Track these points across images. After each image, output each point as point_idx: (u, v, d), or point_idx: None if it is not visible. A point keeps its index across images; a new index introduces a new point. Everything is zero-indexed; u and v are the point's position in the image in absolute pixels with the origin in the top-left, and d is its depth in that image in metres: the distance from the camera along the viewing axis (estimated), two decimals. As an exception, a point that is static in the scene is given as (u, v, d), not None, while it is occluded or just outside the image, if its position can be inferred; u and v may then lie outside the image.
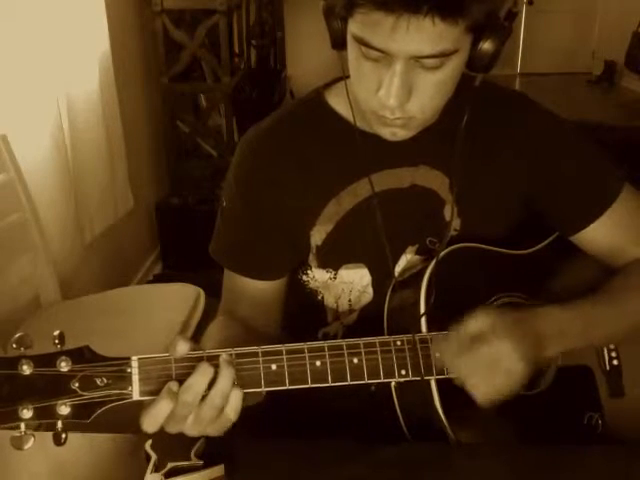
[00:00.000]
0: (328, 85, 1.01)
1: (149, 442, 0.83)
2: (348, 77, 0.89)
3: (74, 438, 0.72)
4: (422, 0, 0.72)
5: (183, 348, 0.74)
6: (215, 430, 0.75)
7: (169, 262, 3.17)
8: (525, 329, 0.82)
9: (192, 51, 2.99)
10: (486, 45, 0.82)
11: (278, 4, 4.59)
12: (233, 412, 0.74)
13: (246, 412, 0.77)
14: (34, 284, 1.88)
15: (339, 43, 0.85)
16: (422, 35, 0.75)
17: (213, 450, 0.82)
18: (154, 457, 0.81)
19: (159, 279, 3.08)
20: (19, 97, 1.85)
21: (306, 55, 4.68)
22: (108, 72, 2.39)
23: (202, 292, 1.99)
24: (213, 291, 1.07)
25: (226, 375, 0.73)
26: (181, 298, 1.97)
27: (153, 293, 2.24)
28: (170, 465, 0.80)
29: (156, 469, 0.80)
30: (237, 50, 3.71)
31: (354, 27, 0.79)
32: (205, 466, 0.81)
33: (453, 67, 0.81)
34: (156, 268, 3.18)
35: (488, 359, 0.79)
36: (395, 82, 0.80)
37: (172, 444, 0.81)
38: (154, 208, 3.11)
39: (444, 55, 0.78)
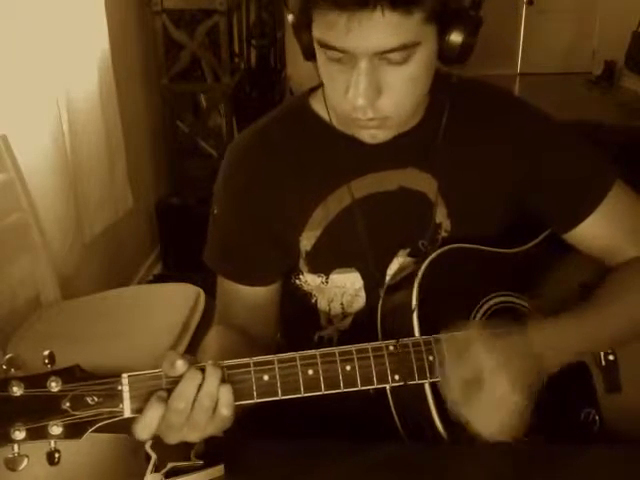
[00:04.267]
0: (314, 89, 1.01)
1: (149, 442, 0.83)
2: None
3: (60, 448, 0.72)
4: None
5: (182, 367, 0.73)
6: (215, 429, 0.75)
7: (169, 262, 3.17)
8: (522, 358, 0.81)
9: (192, 51, 2.99)
10: (453, 36, 0.81)
11: (278, 4, 4.59)
12: (225, 408, 0.74)
13: (244, 413, 0.77)
14: (34, 284, 1.88)
15: (310, 54, 0.85)
16: (377, 29, 0.75)
17: (213, 450, 0.82)
18: (154, 457, 0.81)
19: (159, 279, 3.08)
20: (19, 97, 1.85)
21: (306, 55, 4.68)
22: (108, 72, 2.39)
23: (202, 292, 1.99)
24: (213, 291, 1.07)
25: (212, 375, 0.73)
26: (181, 298, 1.97)
27: (153, 293, 2.24)
28: (170, 465, 0.80)
29: (156, 469, 0.80)
30: (237, 50, 3.70)
31: (316, 31, 0.80)
32: (205, 466, 0.81)
33: (420, 60, 0.80)
34: (156, 268, 3.18)
35: (486, 398, 0.78)
36: (361, 81, 0.79)
37: (172, 444, 0.81)
38: (154, 208, 3.11)
39: (406, 48, 0.78)
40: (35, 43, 1.89)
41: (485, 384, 0.78)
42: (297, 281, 1.03)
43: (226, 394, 0.74)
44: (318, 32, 0.79)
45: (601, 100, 5.85)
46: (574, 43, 6.76)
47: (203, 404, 0.73)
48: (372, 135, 0.88)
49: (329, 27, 0.77)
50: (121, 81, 2.52)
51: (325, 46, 0.79)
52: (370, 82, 0.79)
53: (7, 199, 1.76)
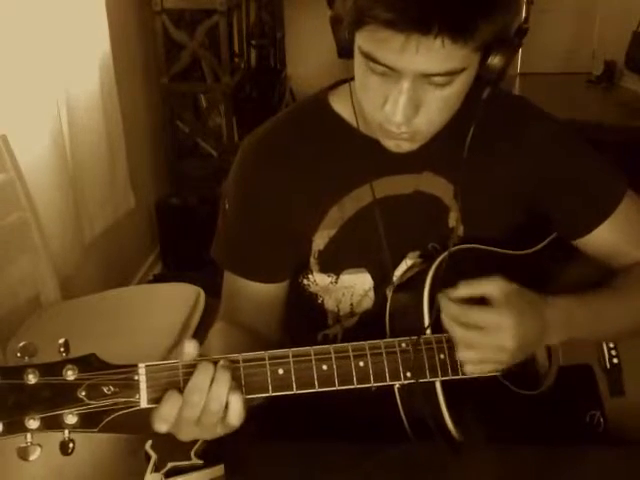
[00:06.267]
0: (332, 88, 1.00)
1: (149, 442, 0.83)
2: (352, 79, 0.88)
3: (75, 436, 0.72)
4: (432, 21, 0.71)
5: (191, 350, 0.74)
6: (227, 431, 0.76)
7: (169, 262, 3.17)
8: (534, 313, 0.83)
9: (192, 51, 2.98)
10: (495, 61, 0.81)
11: (278, 4, 4.59)
12: (234, 418, 0.74)
13: (248, 412, 0.78)
14: (34, 284, 1.88)
15: (346, 53, 0.84)
16: (431, 55, 0.74)
17: (213, 450, 0.82)
18: (154, 457, 0.81)
19: (159, 279, 3.07)
20: (19, 97, 1.85)
21: (306, 55, 4.67)
22: (108, 72, 2.39)
23: (202, 292, 1.99)
24: (213, 291, 1.07)
25: (220, 380, 0.73)
26: (181, 298, 1.97)
27: (153, 293, 2.24)
28: (170, 465, 0.80)
29: (156, 469, 0.80)
30: (237, 50, 3.70)
31: (361, 41, 0.78)
32: (205, 466, 0.81)
33: (461, 83, 0.80)
34: (156, 268, 3.18)
35: (487, 324, 0.80)
36: (402, 99, 0.79)
37: (172, 444, 0.81)
38: (154, 208, 3.11)
39: (453, 73, 0.78)
40: (35, 43, 1.89)
41: (495, 310, 0.80)
42: (305, 281, 1.03)
43: (236, 405, 0.74)
44: (366, 45, 0.77)
45: (601, 100, 5.84)
46: (574, 43, 6.74)
47: (211, 408, 0.73)
48: (398, 145, 0.88)
49: (380, 43, 0.75)
50: (121, 81, 2.52)
51: (371, 59, 0.78)
52: (410, 101, 0.79)
53: (7, 199, 1.76)
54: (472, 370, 0.82)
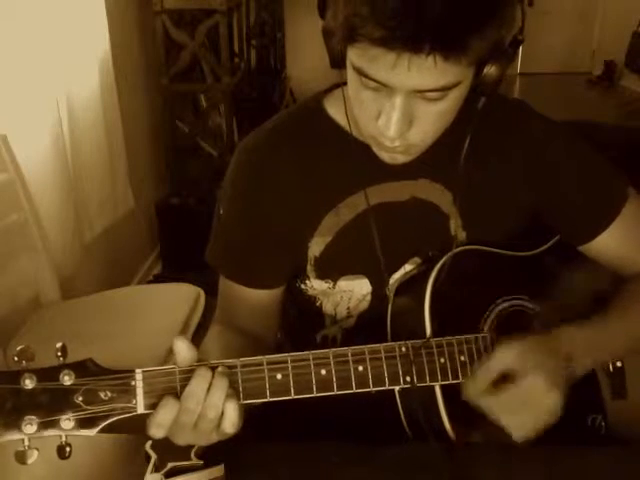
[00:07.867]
0: (327, 91, 1.00)
1: (149, 442, 0.83)
2: (345, 84, 0.87)
3: (74, 438, 0.72)
4: (424, 40, 0.70)
5: (183, 349, 0.74)
6: (223, 437, 0.76)
7: (169, 262, 3.17)
8: (554, 357, 0.82)
9: (192, 51, 2.99)
10: (490, 71, 0.80)
11: (278, 4, 4.60)
12: (229, 426, 0.74)
13: (248, 413, 0.78)
14: (34, 284, 1.88)
15: (338, 64, 0.83)
16: (423, 72, 0.73)
17: (213, 450, 0.82)
18: (154, 457, 0.81)
19: (159, 279, 3.07)
20: (19, 97, 1.84)
21: (306, 55, 4.69)
22: (108, 72, 2.39)
23: (202, 292, 1.99)
24: (213, 291, 1.07)
25: (217, 387, 0.73)
26: (181, 298, 1.97)
27: (153, 293, 2.24)
28: (170, 465, 0.80)
29: (156, 469, 0.80)
30: (237, 50, 3.71)
31: (353, 57, 0.77)
32: (205, 466, 0.81)
33: (455, 97, 0.79)
34: (156, 268, 3.18)
35: (522, 398, 0.79)
36: (395, 114, 0.78)
37: (172, 444, 0.81)
38: (154, 208, 3.11)
39: (446, 89, 0.77)
40: (35, 43, 1.89)
41: (520, 381, 0.79)
42: (302, 285, 1.03)
43: (231, 413, 0.73)
44: (358, 61, 0.76)
45: (601, 100, 5.85)
46: (574, 43, 6.76)
47: (207, 415, 0.73)
48: (393, 158, 0.87)
49: (372, 60, 0.74)
50: (121, 81, 2.52)
51: (363, 75, 0.77)
52: (404, 115, 0.78)
53: (7, 199, 1.76)
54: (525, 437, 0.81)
